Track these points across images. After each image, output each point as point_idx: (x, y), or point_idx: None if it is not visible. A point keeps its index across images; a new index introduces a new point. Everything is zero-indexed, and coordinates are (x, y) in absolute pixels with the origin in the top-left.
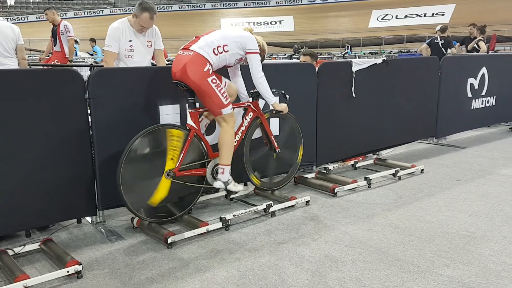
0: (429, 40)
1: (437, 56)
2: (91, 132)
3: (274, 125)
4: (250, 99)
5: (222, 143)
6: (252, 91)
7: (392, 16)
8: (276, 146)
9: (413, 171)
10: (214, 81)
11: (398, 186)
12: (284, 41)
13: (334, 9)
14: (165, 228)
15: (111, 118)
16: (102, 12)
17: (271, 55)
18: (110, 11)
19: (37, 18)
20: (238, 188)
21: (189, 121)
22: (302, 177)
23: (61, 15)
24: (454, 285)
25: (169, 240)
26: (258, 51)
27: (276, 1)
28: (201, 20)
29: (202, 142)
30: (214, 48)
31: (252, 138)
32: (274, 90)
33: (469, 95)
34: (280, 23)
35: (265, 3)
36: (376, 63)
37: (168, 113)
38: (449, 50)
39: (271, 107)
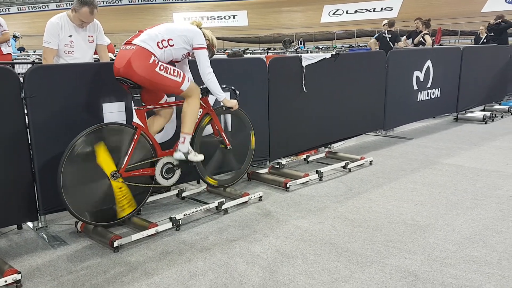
0: (377, 35)
1: (385, 50)
2: (29, 133)
3: (226, 121)
4: (200, 95)
5: (185, 111)
6: (201, 87)
7: (343, 11)
8: (228, 143)
9: (362, 163)
10: (162, 67)
11: (348, 178)
12: (238, 36)
13: (287, 4)
14: (111, 232)
15: (50, 117)
16: (48, 7)
17: (225, 50)
18: (56, 6)
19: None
20: (198, 157)
21: (135, 119)
22: (255, 173)
23: (4, 10)
24: (400, 274)
25: (115, 244)
26: (206, 46)
27: None
28: (152, 14)
29: (149, 141)
30: (158, 42)
31: (203, 135)
32: (224, 86)
33: (415, 87)
34: (234, 17)
35: None
36: (325, 57)
37: (113, 111)
38: (396, 44)
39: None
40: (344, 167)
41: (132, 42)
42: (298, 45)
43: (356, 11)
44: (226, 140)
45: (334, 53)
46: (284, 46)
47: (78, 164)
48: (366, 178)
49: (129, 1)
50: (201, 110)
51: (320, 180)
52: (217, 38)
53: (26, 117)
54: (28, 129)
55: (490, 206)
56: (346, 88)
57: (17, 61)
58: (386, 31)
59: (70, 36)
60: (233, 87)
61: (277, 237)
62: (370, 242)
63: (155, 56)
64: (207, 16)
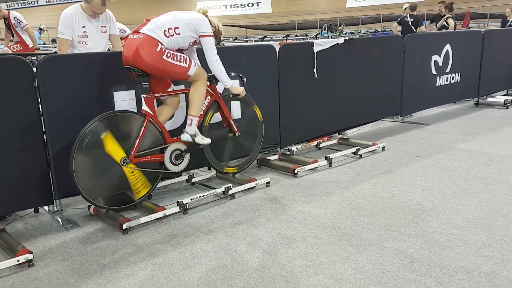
0: (399, 19)
1: (407, 34)
2: (42, 121)
3: (236, 108)
4: (208, 83)
5: (192, 94)
6: (209, 74)
7: None
8: (236, 130)
9: (375, 149)
10: (169, 54)
11: (358, 164)
12: (262, 24)
13: None
14: (121, 215)
15: (63, 106)
16: None
17: (246, 38)
18: None
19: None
20: (205, 141)
21: (144, 107)
22: (265, 159)
23: (33, 2)
24: (398, 256)
25: (124, 226)
26: (212, 34)
27: None
28: (175, 3)
29: (158, 128)
30: (165, 30)
31: (212, 122)
32: (233, 73)
33: (434, 72)
34: (257, 5)
35: None
36: (338, 43)
37: (123, 99)
38: (418, 29)
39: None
40: (355, 153)
41: (139, 31)
42: (322, 31)
43: None
44: (234, 127)
45: (347, 38)
46: (330, 30)
47: (89, 150)
48: (376, 164)
49: None
50: (209, 97)
51: (329, 166)
52: (240, 26)
53: (40, 105)
54: (42, 117)
55: (499, 191)
56: (361, 74)
57: (39, 52)
58: (408, 15)
59: (83, 26)
60: (240, 75)
61: (280, 221)
62: (372, 226)
63: (162, 44)
64: (230, 4)
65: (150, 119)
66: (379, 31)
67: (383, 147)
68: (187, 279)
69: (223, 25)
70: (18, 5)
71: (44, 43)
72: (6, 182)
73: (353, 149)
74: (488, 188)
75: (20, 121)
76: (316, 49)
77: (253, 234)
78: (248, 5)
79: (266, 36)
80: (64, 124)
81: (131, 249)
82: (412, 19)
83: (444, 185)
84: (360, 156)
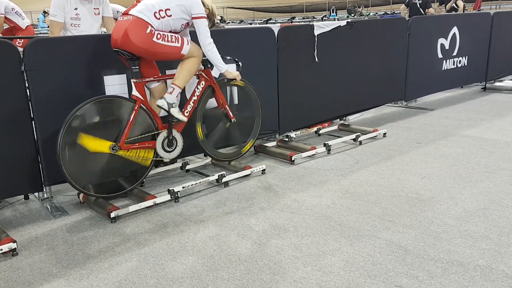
0: (407, 1)
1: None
2: (30, 106)
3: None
4: (202, 67)
5: (182, 65)
6: (203, 58)
7: None
8: (232, 116)
9: (375, 135)
10: (159, 36)
11: (357, 151)
12: (269, 6)
13: None
14: (110, 203)
15: (51, 90)
16: None
17: (252, 21)
18: None
19: None
20: (181, 116)
21: (134, 92)
22: (262, 146)
23: None
24: (390, 248)
25: (112, 215)
26: (205, 16)
27: None
28: None
29: (149, 114)
30: (155, 12)
31: (207, 108)
32: (228, 57)
33: (440, 56)
34: None
35: None
36: (339, 25)
37: (114, 84)
38: (426, 11)
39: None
40: (354, 139)
41: (129, 13)
42: (330, 13)
43: None
44: (230, 113)
45: (349, 20)
46: (348, 12)
47: (76, 137)
48: (376, 151)
49: None
50: (203, 83)
51: (328, 153)
52: (247, 9)
53: (28, 90)
54: (30, 102)
55: (501, 179)
56: (364, 58)
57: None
58: None
59: (75, 9)
60: (236, 59)
61: (273, 210)
62: (366, 215)
63: (152, 26)
64: None
65: (141, 104)
66: (388, 13)
67: (384, 134)
68: (171, 271)
69: (230, 7)
70: None
71: (48, 27)
72: None
73: (353, 136)
74: (490, 177)
75: (7, 106)
76: (317, 32)
77: (244, 223)
78: None
79: (270, 19)
80: (53, 109)
81: (117, 238)
82: (420, 1)
83: (444, 173)
84: (360, 142)
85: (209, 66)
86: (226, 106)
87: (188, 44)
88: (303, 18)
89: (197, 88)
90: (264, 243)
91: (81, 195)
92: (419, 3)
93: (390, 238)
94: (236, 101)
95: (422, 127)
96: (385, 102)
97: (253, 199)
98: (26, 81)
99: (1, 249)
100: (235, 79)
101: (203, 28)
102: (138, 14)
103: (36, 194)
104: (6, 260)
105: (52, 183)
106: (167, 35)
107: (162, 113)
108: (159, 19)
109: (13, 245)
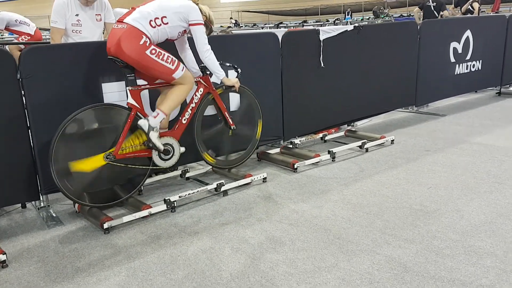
0: (421, 3)
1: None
2: (26, 114)
3: (235, 100)
4: (201, 74)
5: (172, 93)
6: (202, 65)
7: None
8: (231, 123)
9: (383, 142)
10: (153, 51)
11: (363, 159)
12: (284, 9)
13: None
14: (104, 213)
15: (48, 98)
16: None
17: (264, 24)
18: None
19: None
20: (158, 143)
21: (130, 100)
22: (265, 153)
23: None
24: (389, 265)
25: (105, 226)
26: (203, 22)
27: None
28: None
29: None
30: (151, 20)
31: (206, 115)
32: (228, 64)
33: (452, 60)
34: None
35: None
36: (346, 30)
37: (113, 91)
38: (441, 13)
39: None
40: (360, 146)
41: (123, 21)
42: (346, 15)
43: None
44: (230, 120)
45: (356, 24)
46: (374, 15)
47: (70, 145)
48: (382, 159)
49: None
50: (201, 89)
51: (332, 160)
52: (262, 12)
53: (24, 98)
54: (26, 110)
55: (511, 191)
56: (372, 62)
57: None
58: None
59: (77, 15)
60: (235, 65)
61: (270, 221)
62: (367, 228)
63: (147, 36)
64: None
65: (137, 112)
66: (404, 16)
67: (392, 140)
68: (160, 287)
69: (246, 11)
70: None
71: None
72: None
73: (359, 143)
74: (499, 188)
75: (3, 114)
76: (322, 36)
77: (240, 236)
78: None
79: (281, 22)
80: (49, 117)
81: (109, 251)
82: (434, 3)
83: (452, 184)
84: (367, 150)
85: (207, 73)
86: (226, 113)
87: (182, 70)
88: (316, 22)
89: (195, 95)
90: (258, 258)
91: (77, 204)
92: (433, 6)
93: (390, 254)
94: (236, 108)
95: (432, 134)
96: (395, 107)
97: (251, 209)
98: (22, 89)
99: None
100: (234, 86)
101: (200, 35)
102: (133, 23)
103: (34, 202)
104: None
105: (48, 191)
106: (164, 54)
107: (144, 124)
108: (154, 27)
109: (3, 257)
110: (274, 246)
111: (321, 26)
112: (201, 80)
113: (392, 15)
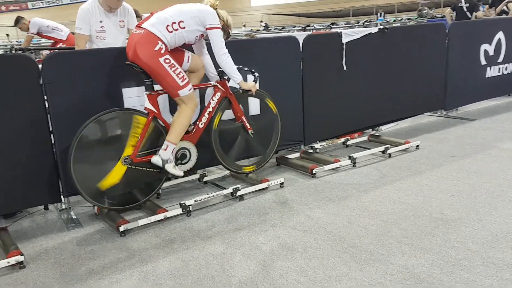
0: (453, 4)
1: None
2: (49, 118)
3: (255, 104)
4: (218, 78)
5: (175, 121)
6: (219, 69)
7: None
8: (249, 127)
9: (407, 148)
10: (167, 61)
11: (385, 165)
12: (314, 11)
13: None
14: (121, 216)
15: (69, 103)
16: None
17: (293, 27)
18: None
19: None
20: (176, 172)
21: (147, 104)
22: (284, 157)
23: (57, 0)
24: (403, 275)
25: (121, 229)
26: (220, 26)
27: None
28: None
29: (163, 126)
30: (168, 25)
31: (223, 119)
32: (246, 69)
33: (483, 62)
34: None
35: None
36: (370, 32)
37: (133, 96)
38: (474, 14)
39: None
40: (383, 152)
41: (141, 26)
42: (378, 17)
43: None
44: (247, 124)
45: (381, 27)
46: (419, 15)
47: (88, 149)
48: (405, 165)
49: None
50: (218, 94)
51: (353, 166)
52: (292, 15)
53: (46, 103)
54: (48, 115)
55: None
56: (398, 65)
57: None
58: (463, 0)
59: (100, 21)
60: (253, 70)
61: (284, 227)
62: (383, 237)
63: (163, 42)
64: None
65: (154, 116)
66: (438, 17)
67: (417, 146)
68: None
69: (276, 14)
70: (42, 4)
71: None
72: (13, 180)
73: (382, 148)
74: None
75: (26, 118)
76: (345, 39)
77: (252, 242)
78: None
79: (309, 25)
80: (71, 121)
81: (123, 254)
82: (467, 4)
83: (476, 191)
84: (390, 155)
85: (224, 77)
86: (243, 117)
87: (189, 90)
88: (346, 23)
89: (212, 100)
90: (269, 265)
91: (96, 207)
92: (466, 7)
93: (404, 264)
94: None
95: (459, 139)
96: (423, 111)
97: (266, 215)
98: (45, 94)
99: (8, 262)
100: (250, 90)
101: (217, 39)
102: (150, 28)
103: (56, 204)
104: (13, 273)
105: (70, 194)
106: (177, 67)
107: (157, 160)
108: (171, 32)
109: (21, 258)
110: (285, 253)
111: (349, 28)
112: (218, 84)
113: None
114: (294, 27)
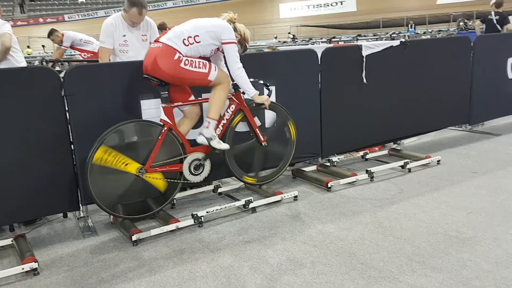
0: (483, 16)
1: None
2: (70, 129)
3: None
4: (233, 91)
5: (212, 96)
6: (234, 82)
7: None
8: (263, 140)
9: (428, 163)
10: (187, 62)
11: (404, 180)
12: (345, 23)
13: None
14: (134, 225)
15: (90, 114)
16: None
17: (320, 39)
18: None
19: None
20: (222, 146)
21: (163, 116)
22: (299, 170)
23: (92, 14)
24: None
25: (134, 238)
26: (235, 41)
27: None
28: (259, 6)
29: (177, 138)
30: (184, 39)
31: (238, 131)
32: (261, 82)
33: (510, 76)
34: (342, 3)
35: None
36: (391, 46)
37: (151, 108)
38: (504, 27)
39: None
40: (403, 166)
41: (159, 40)
42: (409, 28)
43: None
44: (261, 137)
45: (403, 40)
46: (458, 26)
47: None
48: (424, 180)
49: None
50: (233, 106)
51: (371, 180)
52: (322, 26)
53: (67, 114)
54: (69, 126)
55: None
56: (420, 79)
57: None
58: (493, 12)
59: (124, 35)
60: (267, 84)
61: (294, 242)
62: (394, 254)
63: (180, 53)
64: (313, 5)
65: (169, 128)
66: (469, 29)
67: (438, 161)
68: None
69: (304, 25)
70: (78, 17)
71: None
72: (34, 188)
73: (402, 162)
74: None
75: (48, 129)
76: (365, 52)
77: (261, 255)
78: (331, 4)
79: (334, 37)
80: (91, 132)
81: (134, 263)
82: (497, 17)
83: (494, 209)
84: (409, 170)
85: (239, 90)
86: (257, 129)
87: (215, 70)
88: (374, 35)
89: (227, 112)
90: (275, 279)
91: (112, 215)
92: (496, 19)
93: (413, 283)
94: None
95: (482, 155)
96: (446, 125)
97: (277, 228)
98: (66, 105)
99: (23, 268)
100: (263, 103)
101: (232, 53)
102: (167, 42)
103: (74, 212)
104: (26, 280)
105: (88, 202)
106: (195, 61)
107: (202, 140)
108: (187, 45)
109: (35, 265)
110: (293, 267)
111: (376, 39)
112: (233, 97)
113: (447, 29)
114: (321, 38)
